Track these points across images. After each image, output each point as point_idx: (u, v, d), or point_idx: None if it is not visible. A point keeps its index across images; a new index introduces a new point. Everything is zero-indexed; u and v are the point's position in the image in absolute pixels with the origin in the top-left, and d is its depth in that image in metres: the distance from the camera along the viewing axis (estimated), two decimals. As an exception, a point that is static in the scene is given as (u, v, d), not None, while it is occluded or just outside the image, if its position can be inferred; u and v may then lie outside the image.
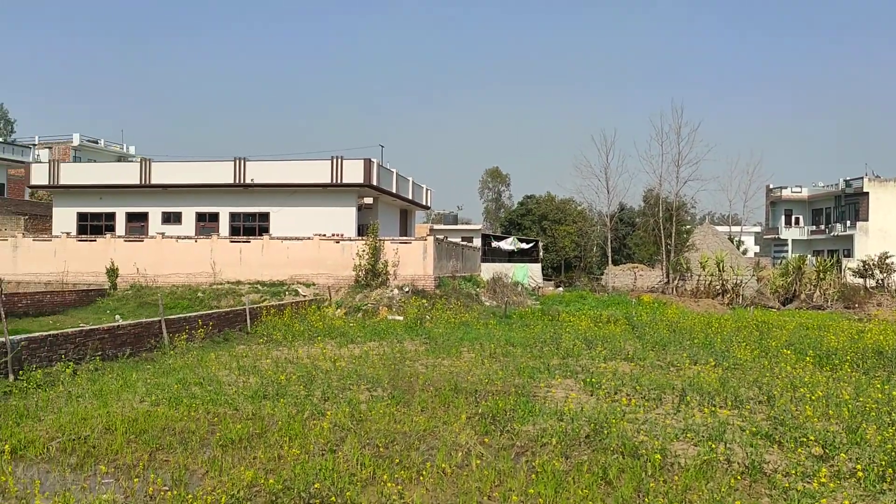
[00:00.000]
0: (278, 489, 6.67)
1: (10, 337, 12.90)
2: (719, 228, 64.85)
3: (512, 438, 8.90)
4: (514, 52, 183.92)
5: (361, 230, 34.54)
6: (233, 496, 6.41)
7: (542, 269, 58.05)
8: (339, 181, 34.20)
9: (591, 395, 11.74)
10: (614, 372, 13.68)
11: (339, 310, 26.71)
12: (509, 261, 54.70)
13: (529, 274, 51.06)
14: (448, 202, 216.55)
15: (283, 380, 12.29)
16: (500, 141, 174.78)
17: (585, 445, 8.62)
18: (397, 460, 7.71)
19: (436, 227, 60.96)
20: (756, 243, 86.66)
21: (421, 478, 7.21)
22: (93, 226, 36.50)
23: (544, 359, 15.50)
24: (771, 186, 72.85)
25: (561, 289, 52.34)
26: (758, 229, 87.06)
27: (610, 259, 55.44)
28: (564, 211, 69.15)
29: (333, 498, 6.55)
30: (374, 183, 34.80)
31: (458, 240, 46.27)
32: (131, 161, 50.86)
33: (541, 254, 60.33)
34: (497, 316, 26.78)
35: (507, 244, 57.25)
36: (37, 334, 14.01)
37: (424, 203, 46.41)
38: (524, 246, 58.04)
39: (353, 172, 34.19)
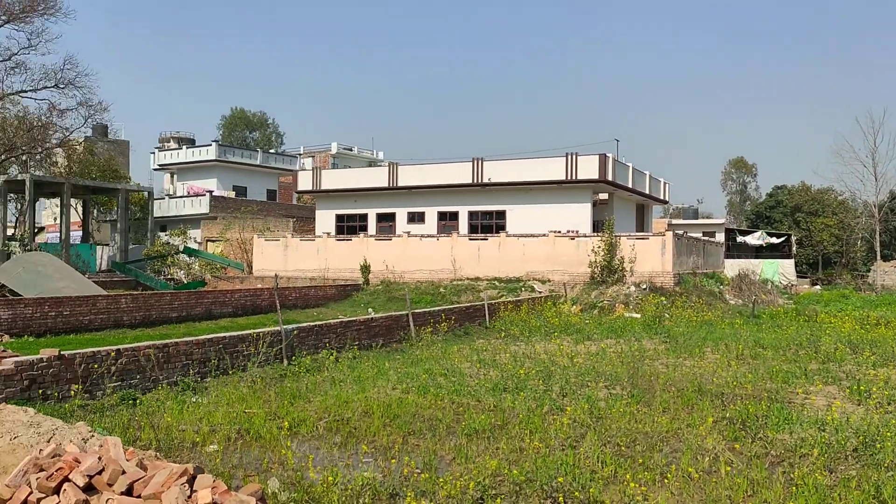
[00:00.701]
0: (522, 480, 6.85)
1: (284, 326, 14.56)
2: None
3: (765, 447, 8.31)
4: (758, 29, 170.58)
5: (596, 226, 34.17)
6: (479, 483, 6.69)
7: (796, 266, 53.32)
8: (573, 178, 34.13)
9: (859, 405, 10.58)
10: (886, 380, 12.20)
11: (574, 306, 26.67)
12: (756, 257, 50.97)
13: (780, 271, 47.20)
14: (687, 196, 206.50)
15: (522, 374, 12.55)
16: (745, 128, 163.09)
17: (853, 460, 7.80)
18: (640, 461, 7.55)
19: (674, 221, 58.52)
20: None
21: (665, 481, 7.00)
22: (349, 226, 39.99)
23: (800, 363, 14.24)
24: None
25: (818, 287, 47.72)
26: None
27: (878, 254, 49.43)
28: (822, 201, 62.90)
29: (577, 493, 6.58)
30: (610, 178, 34.25)
31: (698, 235, 44.01)
32: (380, 165, 54.90)
33: (793, 249, 55.48)
34: (744, 315, 25.07)
35: (755, 239, 53.44)
36: (305, 324, 15.66)
37: (662, 197, 44.76)
38: (774, 241, 53.83)
39: (587, 168, 33.94)
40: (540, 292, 29.09)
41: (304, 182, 41.92)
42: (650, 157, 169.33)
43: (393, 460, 7.55)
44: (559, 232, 31.64)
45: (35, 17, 33.19)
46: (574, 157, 34.21)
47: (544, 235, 31.36)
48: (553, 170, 34.64)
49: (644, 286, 28.19)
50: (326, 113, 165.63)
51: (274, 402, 10.40)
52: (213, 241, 45.64)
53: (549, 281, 30.34)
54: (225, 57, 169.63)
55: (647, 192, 41.00)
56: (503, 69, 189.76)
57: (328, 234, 37.64)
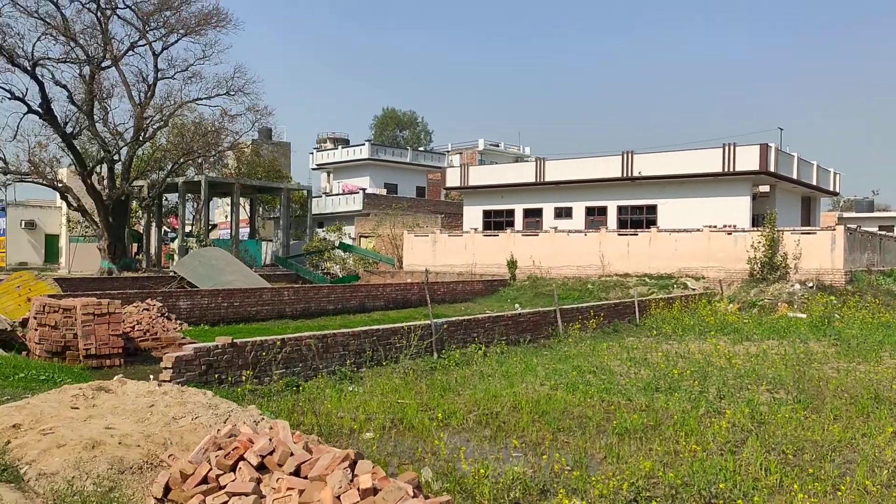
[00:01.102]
0: (678, 484, 6.62)
1: (434, 320, 14.91)
2: None
3: (956, 462, 7.53)
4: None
5: (756, 220, 32.28)
6: (632, 484, 6.54)
7: None
8: (730, 169, 32.43)
9: None
10: None
11: (731, 304, 25.36)
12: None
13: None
14: (861, 187, 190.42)
15: (676, 374, 12.12)
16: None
17: None
18: (809, 470, 7.08)
19: (845, 215, 54.13)
20: None
21: (838, 493, 6.51)
22: (495, 222, 40.26)
23: None
24: None
25: None
26: None
27: None
28: None
29: (739, 501, 6.27)
30: (772, 169, 32.22)
31: (874, 229, 40.43)
32: (527, 161, 54.78)
33: None
34: (928, 318, 22.78)
35: (941, 233, 48.26)
36: (454, 319, 15.95)
37: (831, 189, 41.55)
38: (965, 235, 48.39)
39: (746, 159, 32.12)
40: (693, 289, 27.91)
41: (452, 179, 42.64)
42: (818, 146, 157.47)
43: (543, 456, 7.54)
44: (714, 226, 30.18)
45: (208, 29, 35.96)
46: (731, 147, 32.49)
47: (698, 230, 30.04)
48: (708, 162, 33.07)
49: (810, 284, 26.31)
50: (473, 110, 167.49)
51: (425, 394, 10.69)
52: (366, 236, 47.45)
53: (704, 278, 29.03)
54: (377, 58, 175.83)
55: (815, 183, 38.19)
56: (653, 58, 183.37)
57: (475, 229, 38.07)
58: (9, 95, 32.99)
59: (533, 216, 39.08)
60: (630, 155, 35.27)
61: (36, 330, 13.84)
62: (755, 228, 29.33)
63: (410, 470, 6.64)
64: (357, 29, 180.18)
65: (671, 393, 10.74)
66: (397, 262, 40.90)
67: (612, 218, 36.20)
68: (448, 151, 75.67)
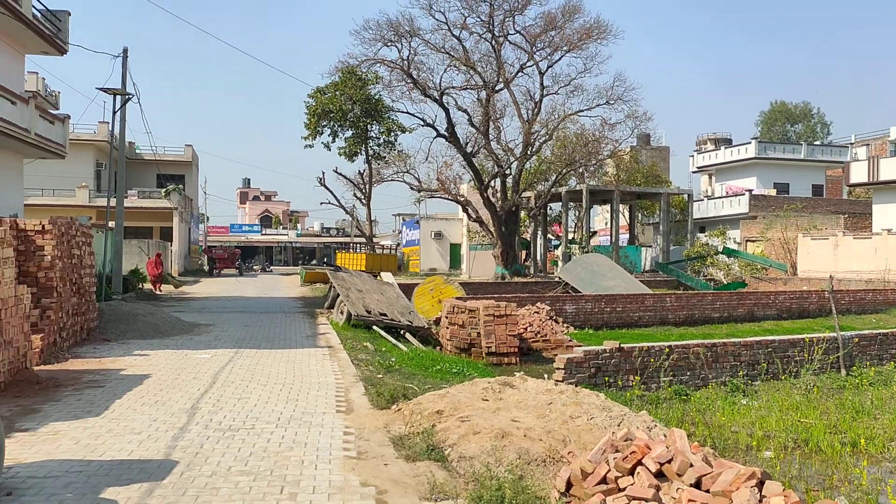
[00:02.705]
0: None
1: (841, 333, 13.31)
2: None
3: None
4: None
5: None
6: None
7: None
8: None
9: None
10: None
11: None
12: None
13: None
14: None
15: None
16: None
17: None
18: None
19: None
20: None
21: None
22: (914, 221, 34.43)
23: None
24: None
25: None
26: None
27: None
28: None
29: None
30: None
31: None
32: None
33: None
34: None
35: None
36: (865, 332, 14.07)
37: None
38: None
39: None
40: None
41: (858, 174, 37.55)
42: None
43: None
44: None
45: (590, 43, 37.18)
46: None
47: None
48: None
49: None
50: (881, 95, 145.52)
51: (833, 415, 9.61)
52: (753, 240, 44.37)
53: None
54: (761, 52, 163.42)
55: None
56: None
57: (888, 230, 33.01)
58: (422, 123, 38.19)
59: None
60: None
61: (447, 328, 15.74)
62: None
63: (822, 498, 6.03)
64: (736, 22, 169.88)
65: None
66: (790, 267, 37.49)
67: None
68: (851, 144, 66.88)
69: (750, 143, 57.19)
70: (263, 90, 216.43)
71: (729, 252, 39.61)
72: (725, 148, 60.58)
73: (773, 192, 52.35)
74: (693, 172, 65.01)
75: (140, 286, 27.15)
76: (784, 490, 4.48)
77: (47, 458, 6.16)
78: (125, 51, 23.43)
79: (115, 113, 23.46)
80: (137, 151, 48.80)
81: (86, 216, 23.10)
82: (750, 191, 51.10)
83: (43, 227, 11.51)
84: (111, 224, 23.73)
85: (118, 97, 23.18)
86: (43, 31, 20.61)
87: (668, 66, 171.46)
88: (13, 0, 18.35)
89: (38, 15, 20.60)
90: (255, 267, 60.93)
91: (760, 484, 4.57)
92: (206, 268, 50.19)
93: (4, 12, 18.15)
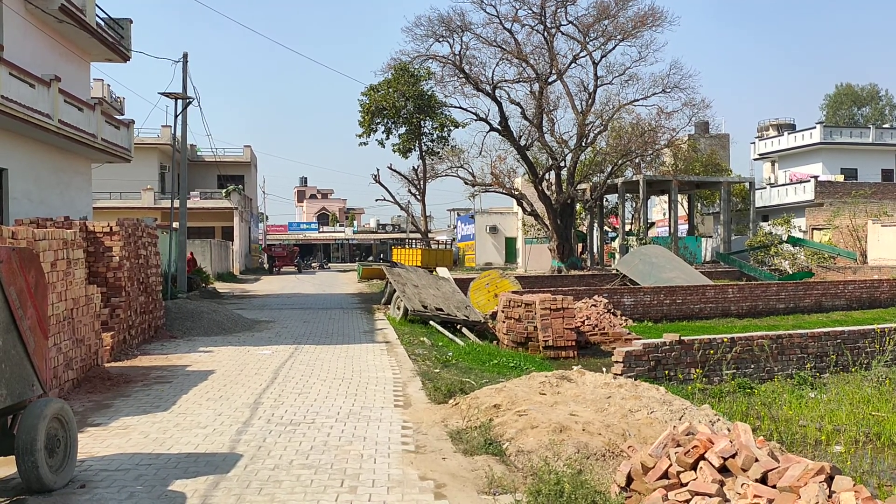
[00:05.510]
0: None
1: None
2: None
3: None
4: None
5: None
6: None
7: None
8: None
9: None
10: None
11: None
12: None
13: None
14: None
15: None
16: None
17: None
18: None
19: None
20: None
21: None
22: None
23: None
24: None
25: None
26: None
27: None
28: None
29: None
30: None
31: None
32: None
33: None
34: None
35: None
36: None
37: None
38: None
39: None
40: None
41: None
42: None
43: None
44: None
45: (644, 31, 36.48)
46: None
47: None
48: None
49: None
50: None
51: (908, 409, 9.23)
52: (819, 228, 42.94)
53: None
54: (826, 35, 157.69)
55: None
56: None
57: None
58: (475, 117, 38.12)
59: None
60: None
61: (503, 322, 15.71)
62: None
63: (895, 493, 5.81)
64: (798, 4, 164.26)
65: None
66: (859, 256, 36.16)
67: None
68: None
69: (815, 127, 55.32)
70: (318, 90, 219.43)
71: (794, 241, 38.43)
72: (789, 134, 58.74)
73: (841, 178, 50.54)
74: (755, 160, 63.25)
75: (203, 285, 27.88)
76: (855, 485, 4.33)
77: (118, 452, 6.39)
78: (185, 56, 24.07)
79: (176, 116, 24.16)
80: (199, 153, 50.07)
81: (151, 217, 23.86)
82: (815, 177, 49.44)
83: (111, 228, 11.94)
84: (175, 225, 24.44)
85: (179, 101, 23.85)
86: (106, 38, 21.27)
87: (728, 52, 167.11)
88: (78, 10, 19.00)
89: (102, 23, 21.27)
90: (313, 264, 61.84)
91: (830, 479, 4.43)
92: (266, 266, 51.21)
93: (70, 22, 18.81)
